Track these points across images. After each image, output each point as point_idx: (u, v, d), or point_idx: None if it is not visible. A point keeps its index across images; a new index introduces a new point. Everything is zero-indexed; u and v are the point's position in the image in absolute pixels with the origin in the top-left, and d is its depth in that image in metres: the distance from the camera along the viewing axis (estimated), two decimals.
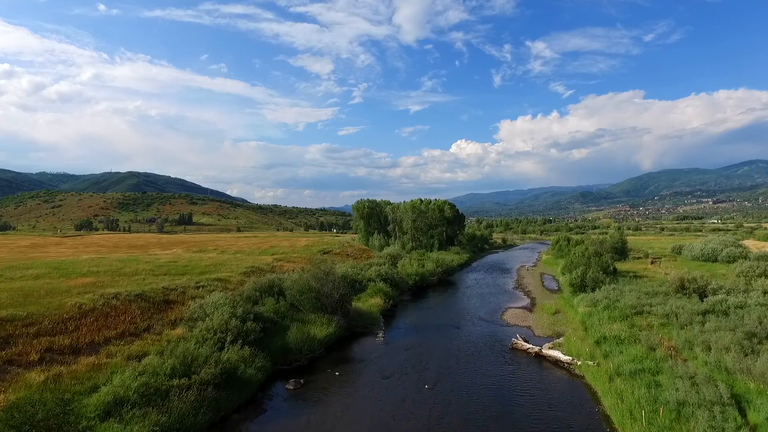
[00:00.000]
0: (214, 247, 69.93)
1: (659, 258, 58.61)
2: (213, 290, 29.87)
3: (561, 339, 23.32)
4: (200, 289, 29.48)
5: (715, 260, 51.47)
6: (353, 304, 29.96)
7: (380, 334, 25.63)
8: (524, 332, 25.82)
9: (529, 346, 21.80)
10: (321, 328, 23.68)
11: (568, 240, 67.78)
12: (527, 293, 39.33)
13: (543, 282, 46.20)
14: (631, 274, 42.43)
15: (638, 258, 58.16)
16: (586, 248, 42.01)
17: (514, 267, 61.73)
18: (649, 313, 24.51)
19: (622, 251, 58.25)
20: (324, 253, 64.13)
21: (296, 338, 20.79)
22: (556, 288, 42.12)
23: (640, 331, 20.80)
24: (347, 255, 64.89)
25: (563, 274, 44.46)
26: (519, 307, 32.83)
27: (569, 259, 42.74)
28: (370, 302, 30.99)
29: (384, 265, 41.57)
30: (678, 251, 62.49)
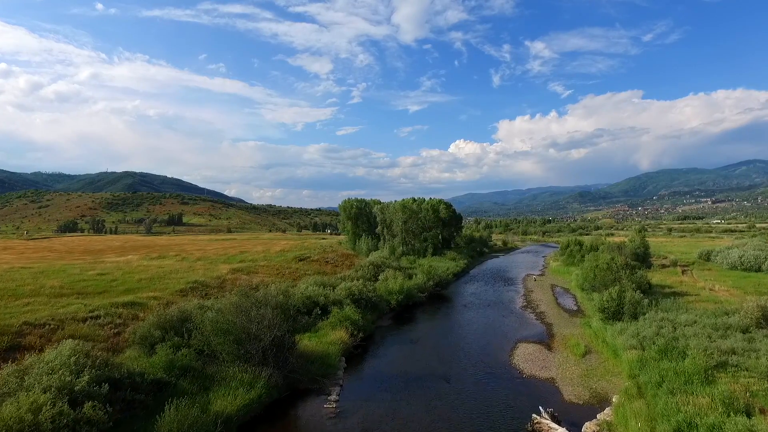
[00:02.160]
0: (178, 253, 61.41)
1: (688, 266, 50.56)
2: (107, 324, 21.51)
3: (607, 412, 15.03)
4: (89, 322, 21.11)
5: (759, 270, 43.46)
6: (305, 341, 21.64)
7: (333, 395, 17.28)
8: (546, 391, 17.52)
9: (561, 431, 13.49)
10: (235, 395, 15.31)
11: (580, 245, 59.52)
12: (540, 316, 31.01)
13: (557, 298, 37.90)
14: (666, 289, 34.26)
15: (664, 266, 49.93)
16: (612, 258, 33.74)
17: (519, 276, 53.44)
18: (735, 366, 16.30)
19: (644, 258, 50.12)
20: (300, 260, 55.74)
21: (175, 424, 12.39)
22: (575, 308, 33.83)
23: (753, 416, 12.48)
24: (326, 262, 56.51)
25: (583, 289, 36.19)
26: (533, 342, 24.49)
27: (590, 272, 34.48)
28: (330, 337, 22.58)
29: (359, 279, 33.19)
30: (706, 257, 54.38)
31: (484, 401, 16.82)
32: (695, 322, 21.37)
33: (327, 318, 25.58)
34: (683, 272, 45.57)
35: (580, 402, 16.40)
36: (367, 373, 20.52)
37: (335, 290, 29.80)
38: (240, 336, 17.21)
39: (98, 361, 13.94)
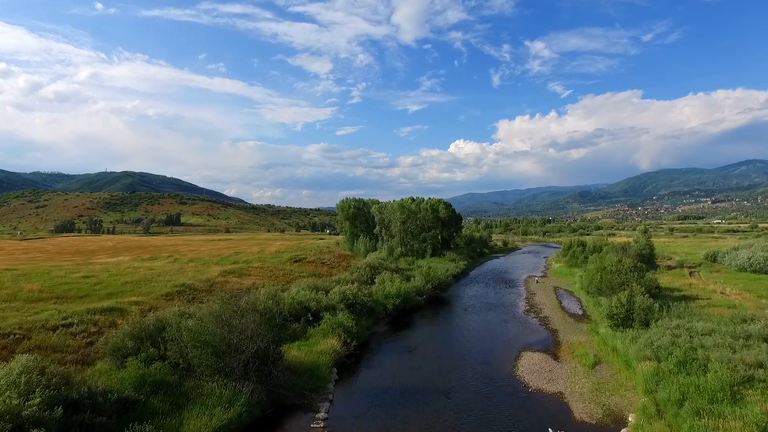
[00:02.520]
0: (171, 254, 60.00)
1: (695, 268, 49.10)
2: (79, 333, 19.97)
3: None
4: (60, 330, 19.59)
5: None
6: (293, 351, 20.16)
7: (322, 412, 15.79)
8: (554, 407, 16.03)
9: None
10: (212, 414, 13.80)
11: (583, 245, 58.04)
12: (544, 321, 29.53)
13: (561, 302, 36.42)
14: (675, 292, 32.80)
15: (671, 268, 48.48)
16: (620, 260, 32.27)
17: (521, 278, 51.96)
18: (763, 381, 14.81)
19: (649, 259, 48.65)
20: (295, 262, 54.22)
21: None
22: (581, 312, 32.33)
23: None
24: (322, 263, 55.00)
25: (588, 292, 34.70)
26: (538, 350, 22.98)
27: (595, 274, 32.98)
28: (321, 346, 21.08)
29: (354, 283, 31.70)
30: (713, 258, 52.91)
31: (487, 419, 15.32)
32: (713, 330, 19.87)
33: (318, 325, 24.06)
34: (691, 274, 44.14)
35: (593, 421, 14.90)
36: (360, 386, 19.01)
37: (329, 294, 28.29)
38: (219, 348, 15.72)
39: (55, 379, 12.42)
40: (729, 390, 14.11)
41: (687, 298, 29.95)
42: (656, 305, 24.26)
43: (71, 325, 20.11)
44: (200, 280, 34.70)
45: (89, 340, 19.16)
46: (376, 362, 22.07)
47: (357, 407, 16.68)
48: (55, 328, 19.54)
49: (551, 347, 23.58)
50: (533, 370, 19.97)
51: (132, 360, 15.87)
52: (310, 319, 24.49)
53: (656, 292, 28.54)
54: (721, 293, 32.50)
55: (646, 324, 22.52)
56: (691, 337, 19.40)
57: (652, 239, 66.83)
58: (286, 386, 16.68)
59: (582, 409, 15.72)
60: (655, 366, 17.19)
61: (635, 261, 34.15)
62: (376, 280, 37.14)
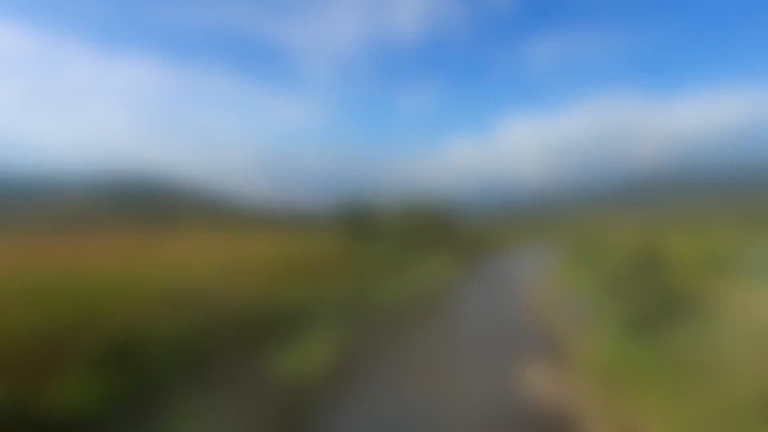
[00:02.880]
0: (165, 255, 58.47)
1: (704, 269, 47.72)
2: (54, 342, 18.67)
3: None
4: (32, 339, 18.24)
5: None
6: (276, 363, 18.75)
7: None
8: (565, 427, 14.63)
9: None
10: None
11: (586, 246, 56.61)
12: (548, 327, 28.12)
13: (565, 305, 35.03)
14: (688, 295, 31.41)
15: (678, 269, 47.09)
16: (627, 260, 31.00)
17: (521, 279, 50.57)
18: None
19: (654, 260, 47.27)
20: (291, 263, 53.10)
21: None
22: (587, 316, 30.95)
23: None
24: (319, 265, 53.77)
25: (593, 295, 33.31)
26: (543, 360, 21.55)
27: (601, 275, 31.66)
28: (309, 357, 19.69)
29: (349, 285, 30.44)
30: (722, 260, 51.50)
31: None
32: (737, 338, 18.47)
33: (309, 332, 22.67)
34: (702, 276, 42.75)
35: None
36: (351, 399, 17.59)
37: (323, 297, 26.94)
38: (195, 360, 14.32)
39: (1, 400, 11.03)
40: (762, 409, 12.69)
41: (702, 302, 28.54)
42: (668, 309, 22.89)
43: (42, 334, 18.73)
44: (192, 283, 33.34)
45: (59, 351, 17.80)
46: (369, 373, 20.63)
47: (347, 424, 15.25)
48: (23, 339, 18.18)
49: (557, 357, 22.14)
50: (539, 383, 18.53)
51: (99, 374, 14.47)
52: (301, 325, 23.09)
53: (665, 295, 27.12)
54: (737, 296, 31.09)
55: (658, 330, 21.13)
56: (710, 345, 18.00)
57: (656, 239, 65.80)
58: (269, 403, 15.28)
59: (595, 429, 14.28)
60: (674, 379, 15.78)
61: (642, 262, 32.79)
62: (372, 282, 35.80)
